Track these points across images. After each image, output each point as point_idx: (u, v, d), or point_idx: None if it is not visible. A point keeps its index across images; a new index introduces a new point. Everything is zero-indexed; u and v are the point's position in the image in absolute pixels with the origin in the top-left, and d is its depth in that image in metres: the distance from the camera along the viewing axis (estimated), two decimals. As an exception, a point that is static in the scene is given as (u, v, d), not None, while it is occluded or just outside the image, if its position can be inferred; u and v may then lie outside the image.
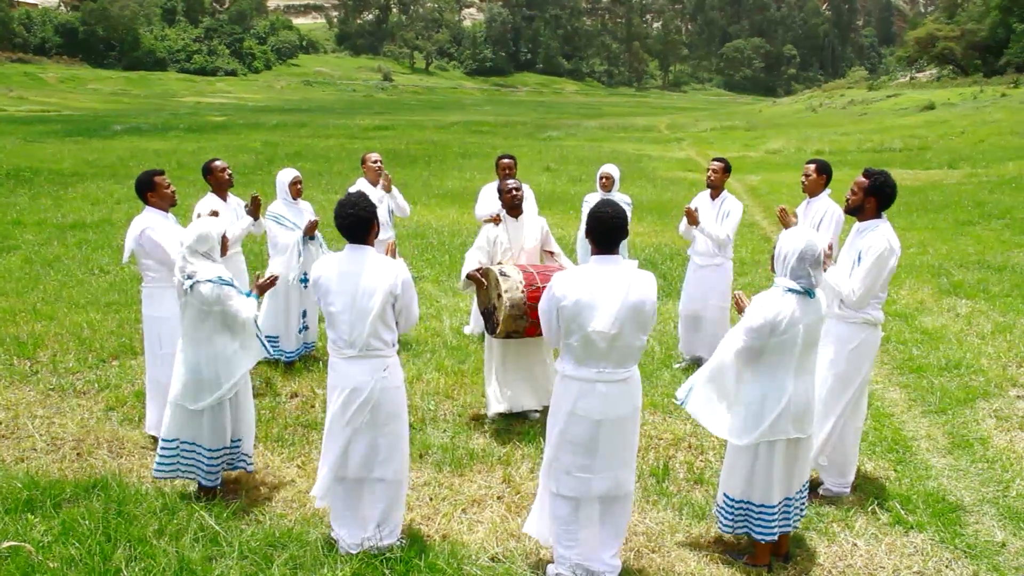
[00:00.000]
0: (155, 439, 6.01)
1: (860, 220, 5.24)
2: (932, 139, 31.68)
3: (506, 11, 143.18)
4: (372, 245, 4.56)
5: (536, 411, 6.68)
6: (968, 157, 25.57)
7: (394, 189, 8.51)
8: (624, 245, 8.71)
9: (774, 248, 4.50)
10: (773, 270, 4.49)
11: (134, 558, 4.45)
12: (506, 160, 8.20)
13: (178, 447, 5.11)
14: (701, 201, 7.75)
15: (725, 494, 4.67)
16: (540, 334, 6.12)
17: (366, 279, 4.41)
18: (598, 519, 4.37)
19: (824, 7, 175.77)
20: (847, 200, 5.30)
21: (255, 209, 7.11)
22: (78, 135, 32.33)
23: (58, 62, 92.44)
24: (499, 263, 6.42)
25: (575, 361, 4.24)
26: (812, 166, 6.63)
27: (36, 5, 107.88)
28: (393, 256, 4.89)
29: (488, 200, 8.24)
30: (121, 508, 4.90)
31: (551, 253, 6.80)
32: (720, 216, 7.60)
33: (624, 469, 4.35)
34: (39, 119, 41.93)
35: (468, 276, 6.43)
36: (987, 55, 63.46)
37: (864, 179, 5.18)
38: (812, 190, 6.61)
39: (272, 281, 5.42)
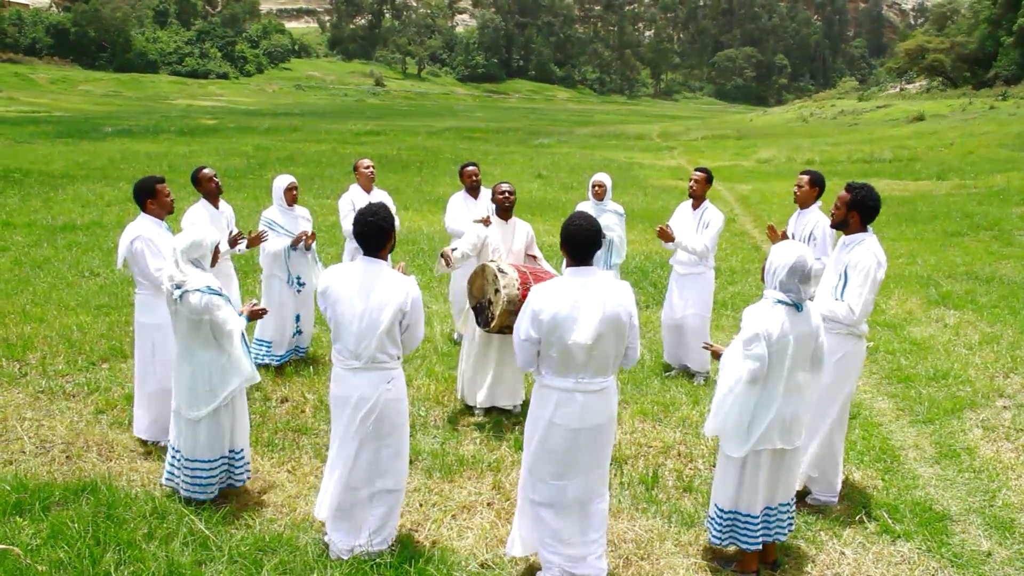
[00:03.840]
0: (144, 442, 6.02)
1: (846, 234, 5.28)
2: (921, 150, 31.86)
3: (499, 18, 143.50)
4: (386, 258, 4.56)
5: (514, 408, 6.91)
6: (957, 168, 25.74)
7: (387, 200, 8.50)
8: (621, 250, 8.69)
9: (765, 261, 4.53)
10: (763, 281, 4.52)
11: (123, 562, 4.43)
12: (471, 168, 8.44)
13: (178, 459, 5.13)
14: (683, 211, 7.78)
15: (716, 505, 4.68)
16: None
17: (378, 293, 4.39)
18: (578, 522, 4.38)
19: (815, 18, 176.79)
20: (832, 215, 5.35)
21: (241, 239, 7.01)
22: (69, 136, 32.24)
23: (49, 63, 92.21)
24: (493, 260, 6.52)
25: (553, 371, 4.25)
26: (806, 177, 6.63)
27: (27, 5, 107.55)
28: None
29: (457, 209, 8.37)
30: (110, 512, 4.89)
31: (533, 257, 6.97)
32: (700, 226, 7.62)
33: (595, 471, 4.36)
34: (29, 120, 41.77)
35: (442, 254, 6.61)
36: (976, 67, 64.01)
37: (846, 193, 5.22)
38: (803, 201, 6.62)
39: (262, 312, 5.39)
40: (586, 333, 4.09)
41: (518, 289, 6.05)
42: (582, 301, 4.13)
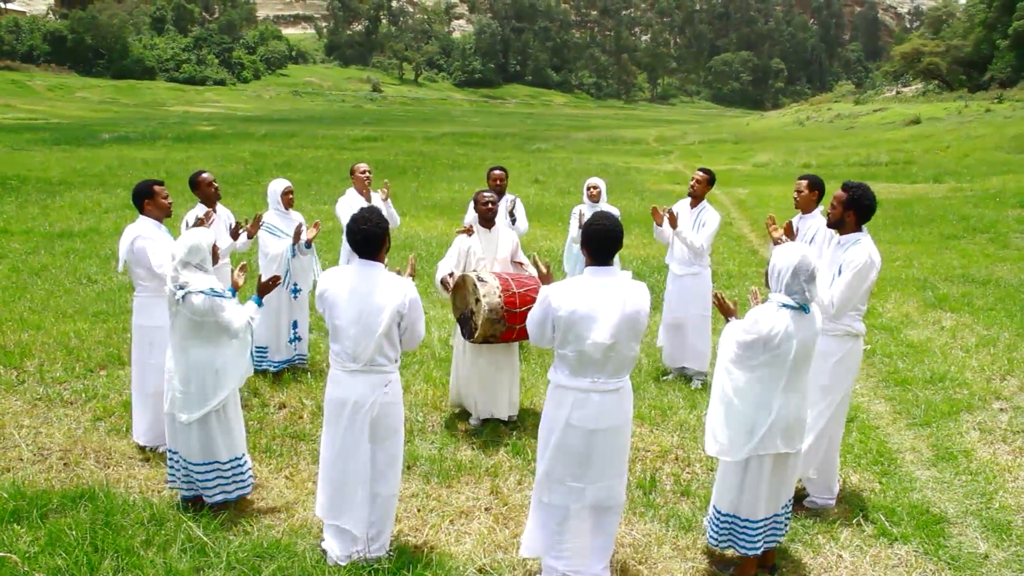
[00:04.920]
0: (142, 448, 6.02)
1: (841, 234, 5.30)
2: (918, 153, 31.92)
3: (495, 23, 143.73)
4: (383, 261, 4.58)
5: (504, 419, 6.83)
6: (953, 171, 25.79)
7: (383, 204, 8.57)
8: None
9: (768, 264, 4.53)
10: (767, 285, 4.52)
11: (121, 569, 4.44)
12: (497, 172, 8.40)
13: (177, 460, 5.14)
14: (680, 208, 7.81)
15: (715, 506, 4.68)
16: (515, 339, 6.33)
17: (375, 296, 4.42)
18: (589, 529, 4.38)
19: (811, 21, 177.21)
20: (828, 215, 5.36)
21: (242, 229, 7.06)
22: (66, 143, 32.23)
23: (46, 70, 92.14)
24: (474, 270, 6.52)
25: (570, 371, 4.25)
26: (804, 182, 6.56)
27: (24, 13, 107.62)
28: (413, 270, 4.95)
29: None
30: (108, 519, 4.89)
31: (520, 264, 6.94)
32: (697, 225, 7.68)
33: (617, 479, 4.37)
34: (27, 127, 41.77)
35: (441, 282, 6.66)
36: (972, 70, 64.13)
37: (843, 192, 5.23)
38: (804, 206, 6.52)
39: (274, 282, 5.34)
40: (605, 333, 4.11)
41: (499, 297, 6.02)
42: (602, 300, 4.14)
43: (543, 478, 4.40)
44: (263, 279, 5.36)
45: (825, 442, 5.38)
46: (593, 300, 4.15)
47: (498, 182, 8.37)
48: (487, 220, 6.84)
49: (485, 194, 6.87)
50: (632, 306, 4.17)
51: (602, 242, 4.23)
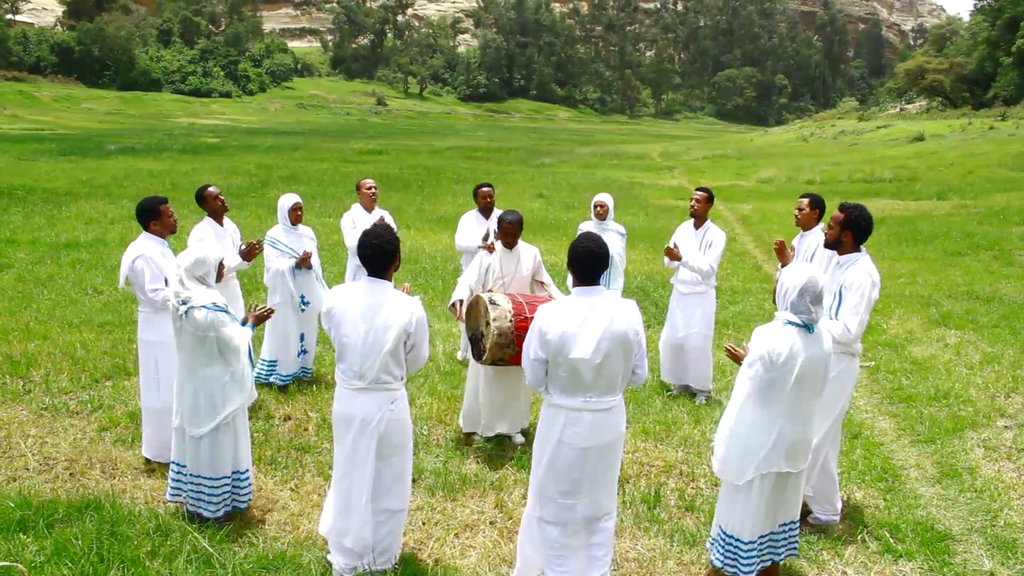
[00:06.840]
0: (149, 461, 6.03)
1: (840, 254, 5.33)
2: (921, 170, 31.98)
3: (500, 37, 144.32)
4: (391, 279, 4.59)
5: (517, 438, 6.79)
6: (957, 188, 25.84)
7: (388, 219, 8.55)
8: (620, 272, 8.75)
9: (776, 283, 4.54)
10: (775, 303, 4.54)
11: (127, 579, 4.45)
12: (485, 189, 8.42)
13: (184, 474, 5.15)
14: (684, 231, 7.81)
15: (720, 527, 4.65)
16: None
17: (383, 314, 4.43)
18: (585, 541, 4.39)
19: (815, 38, 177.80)
20: (825, 235, 5.40)
21: (249, 254, 7.07)
22: (72, 154, 32.36)
23: (53, 81, 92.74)
24: (489, 291, 6.50)
25: (561, 390, 4.27)
26: (805, 200, 6.62)
27: (32, 24, 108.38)
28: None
29: (468, 228, 8.38)
30: (114, 529, 4.90)
31: (541, 283, 6.89)
32: (703, 246, 7.66)
33: (604, 491, 4.38)
34: (33, 137, 41.97)
35: (451, 306, 6.59)
36: (975, 88, 64.37)
37: (840, 213, 5.27)
38: (805, 224, 6.59)
39: (269, 313, 5.39)
40: (587, 348, 4.12)
41: (510, 321, 5.98)
42: (588, 319, 4.16)
43: (537, 495, 4.42)
44: (268, 300, 5.37)
45: (820, 458, 5.36)
46: (579, 318, 4.17)
47: (488, 199, 8.37)
48: (508, 244, 6.76)
49: (508, 219, 6.67)
50: (621, 324, 4.19)
51: (588, 262, 4.26)
